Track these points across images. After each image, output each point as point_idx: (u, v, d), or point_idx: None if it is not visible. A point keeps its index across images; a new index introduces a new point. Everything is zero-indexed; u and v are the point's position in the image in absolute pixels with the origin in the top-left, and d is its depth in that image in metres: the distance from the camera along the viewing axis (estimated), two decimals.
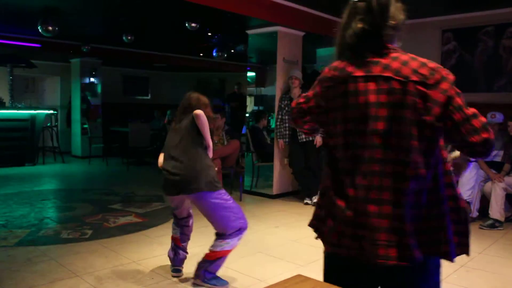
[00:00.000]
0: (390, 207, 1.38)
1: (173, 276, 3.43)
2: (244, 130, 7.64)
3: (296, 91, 6.16)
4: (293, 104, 1.72)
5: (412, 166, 1.37)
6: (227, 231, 3.08)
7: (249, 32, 6.85)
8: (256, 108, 7.22)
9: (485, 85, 6.22)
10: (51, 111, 9.82)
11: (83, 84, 10.65)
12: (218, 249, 3.10)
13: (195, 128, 3.14)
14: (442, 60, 6.52)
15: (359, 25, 1.47)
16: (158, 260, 3.80)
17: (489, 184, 5.14)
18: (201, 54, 11.08)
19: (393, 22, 1.48)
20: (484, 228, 4.96)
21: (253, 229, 4.90)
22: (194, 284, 3.26)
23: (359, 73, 1.46)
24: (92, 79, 10.81)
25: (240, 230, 3.14)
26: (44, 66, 11.03)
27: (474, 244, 4.36)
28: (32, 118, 9.19)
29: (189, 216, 3.52)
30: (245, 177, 6.86)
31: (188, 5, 5.15)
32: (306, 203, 6.09)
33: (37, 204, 5.81)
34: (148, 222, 5.01)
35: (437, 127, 1.38)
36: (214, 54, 8.84)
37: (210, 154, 3.25)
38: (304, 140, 6.03)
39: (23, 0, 6.00)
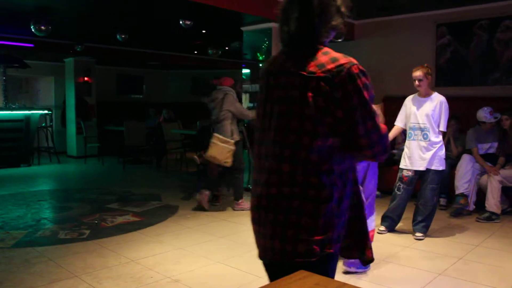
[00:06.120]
0: None
1: None
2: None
3: None
4: None
5: None
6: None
7: (244, 29, 6.83)
8: (251, 105, 7.20)
9: (480, 79, 6.24)
10: (46, 111, 9.76)
11: (77, 84, 10.59)
12: (370, 228, 3.35)
13: None
14: (436, 54, 6.54)
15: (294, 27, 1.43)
16: (157, 258, 3.80)
17: (485, 177, 5.17)
18: (196, 52, 11.05)
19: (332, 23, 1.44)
20: (480, 221, 4.99)
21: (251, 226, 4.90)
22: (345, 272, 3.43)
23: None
24: (86, 78, 10.76)
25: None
26: (37, 66, 10.96)
27: (471, 236, 4.40)
28: (27, 119, 9.13)
29: None
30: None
31: (182, 3, 5.14)
32: None
33: (33, 205, 5.78)
34: (145, 221, 5.00)
35: None
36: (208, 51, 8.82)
37: None
38: None
39: None
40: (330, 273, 1.44)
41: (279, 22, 1.49)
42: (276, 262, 1.41)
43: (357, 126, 1.34)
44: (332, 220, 1.37)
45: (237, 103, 5.54)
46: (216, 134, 5.29)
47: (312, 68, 1.35)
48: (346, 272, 3.41)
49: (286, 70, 1.42)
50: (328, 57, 1.36)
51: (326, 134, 1.35)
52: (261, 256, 1.47)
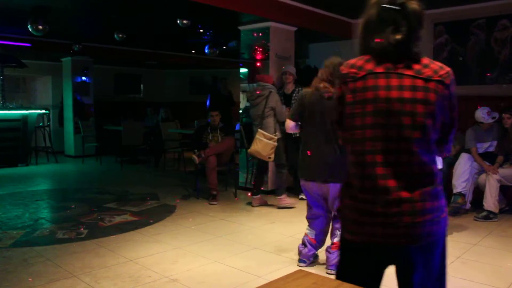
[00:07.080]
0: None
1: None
2: (237, 127, 7.62)
3: (289, 87, 6.16)
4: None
5: None
6: None
7: (241, 28, 6.83)
8: (248, 104, 7.19)
9: (477, 78, 6.25)
10: (43, 111, 9.74)
11: (74, 83, 10.57)
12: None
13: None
14: (434, 53, 6.55)
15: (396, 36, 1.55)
16: (155, 258, 3.80)
17: (483, 176, 5.18)
18: (193, 51, 11.04)
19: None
20: (478, 219, 5.00)
21: (249, 225, 4.91)
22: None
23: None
24: (83, 78, 10.74)
25: None
26: (35, 66, 10.92)
27: (469, 235, 4.41)
28: (24, 118, 9.10)
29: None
30: (240, 174, 6.86)
31: (179, 2, 5.13)
32: (301, 198, 6.10)
33: (31, 205, 5.77)
34: (143, 221, 4.99)
35: None
36: (206, 51, 8.79)
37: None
38: (298, 135, 6.03)
39: None
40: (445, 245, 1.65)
41: (364, 33, 1.62)
42: (402, 245, 1.57)
43: (454, 122, 1.61)
44: (444, 199, 1.62)
45: (279, 102, 5.63)
46: (261, 130, 5.38)
47: (429, 73, 1.56)
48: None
49: (398, 72, 1.55)
50: (437, 65, 1.60)
51: (436, 128, 1.56)
52: (378, 242, 1.58)
